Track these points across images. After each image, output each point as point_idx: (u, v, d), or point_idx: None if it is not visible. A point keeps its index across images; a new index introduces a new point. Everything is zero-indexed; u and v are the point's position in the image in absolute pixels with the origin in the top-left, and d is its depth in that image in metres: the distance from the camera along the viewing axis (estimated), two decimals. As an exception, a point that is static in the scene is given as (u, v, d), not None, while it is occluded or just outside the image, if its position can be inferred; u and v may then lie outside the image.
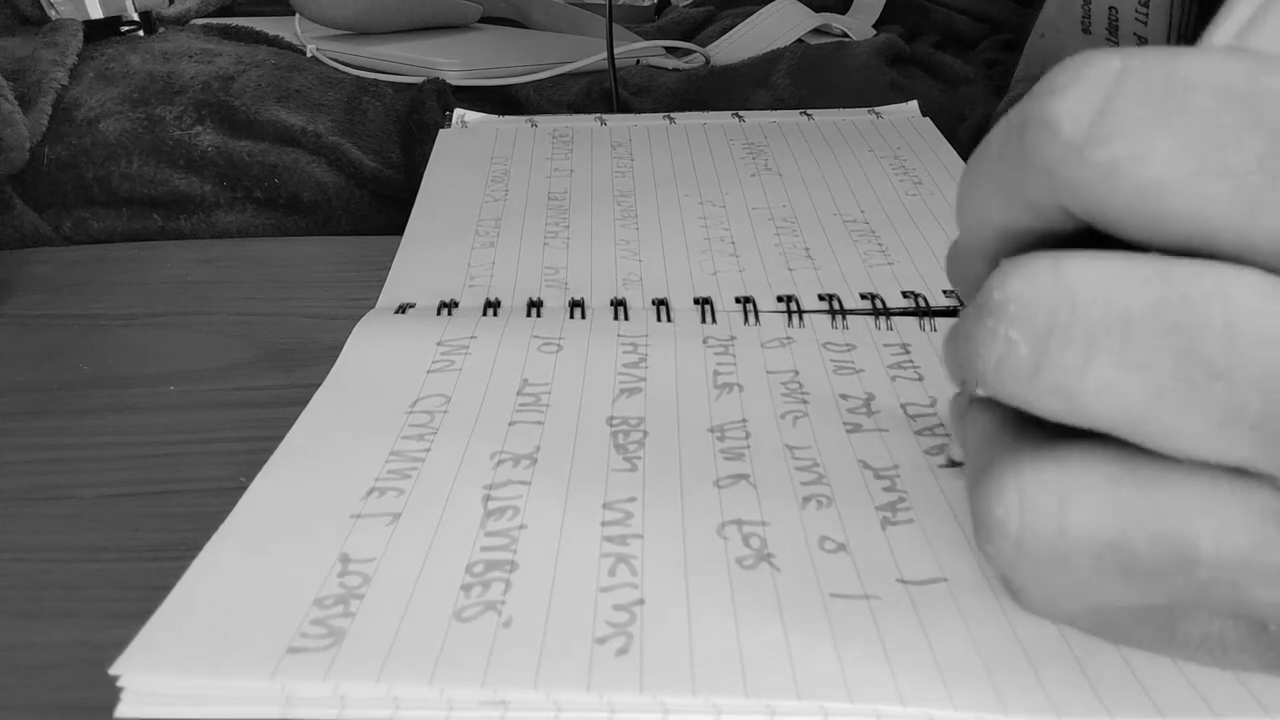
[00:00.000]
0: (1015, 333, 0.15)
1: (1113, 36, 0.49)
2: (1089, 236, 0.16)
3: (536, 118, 0.51)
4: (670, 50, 0.64)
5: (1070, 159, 0.15)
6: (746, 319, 0.32)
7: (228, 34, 0.60)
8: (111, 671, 0.18)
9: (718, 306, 0.33)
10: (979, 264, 0.19)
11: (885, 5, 0.72)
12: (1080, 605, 0.18)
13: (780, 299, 0.34)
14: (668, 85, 0.57)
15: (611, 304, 0.34)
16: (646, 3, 0.82)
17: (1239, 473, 0.15)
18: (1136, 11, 0.47)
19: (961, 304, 0.33)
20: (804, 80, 0.57)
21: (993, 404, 0.18)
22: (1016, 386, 0.15)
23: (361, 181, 0.47)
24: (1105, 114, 0.15)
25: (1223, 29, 0.16)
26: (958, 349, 0.16)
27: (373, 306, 0.34)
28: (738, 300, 0.34)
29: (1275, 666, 0.18)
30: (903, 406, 0.27)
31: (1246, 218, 0.14)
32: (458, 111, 0.50)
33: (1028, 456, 0.16)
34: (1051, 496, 0.16)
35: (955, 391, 0.22)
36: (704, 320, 0.32)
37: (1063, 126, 0.15)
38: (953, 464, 0.25)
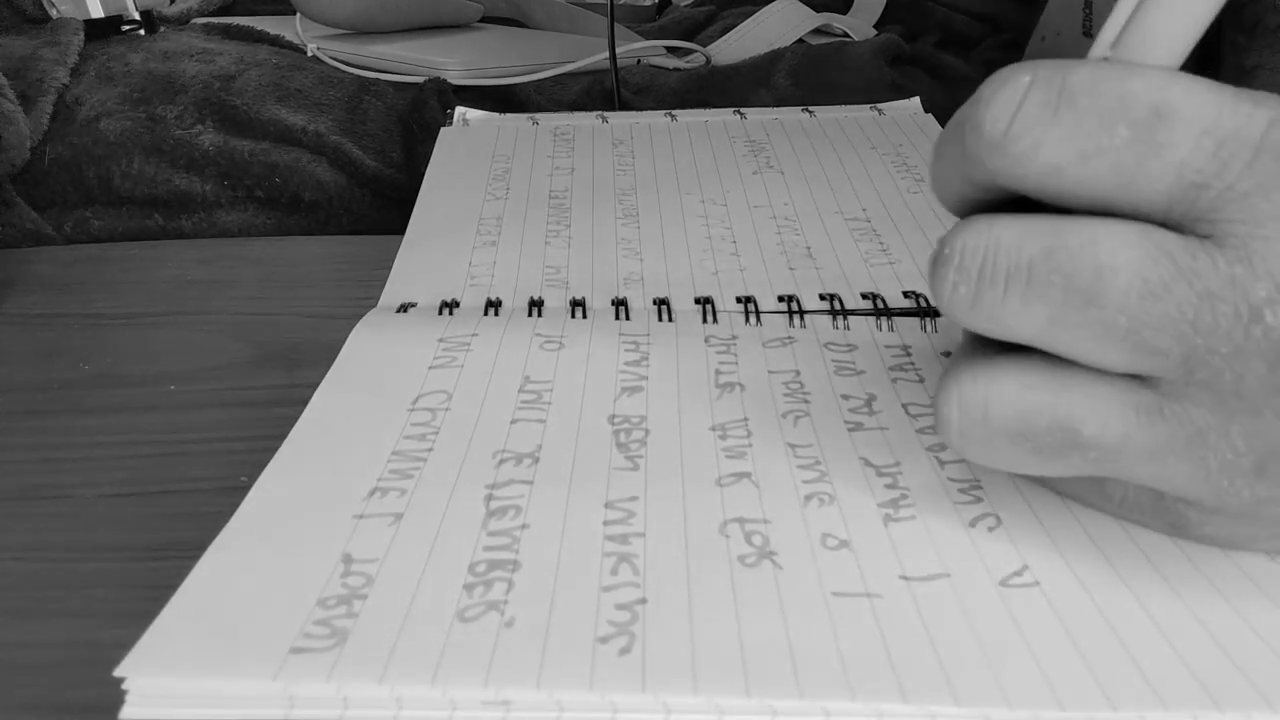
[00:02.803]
0: (957, 277, 0.20)
1: (1114, 35, 0.49)
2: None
3: (538, 115, 0.51)
4: (671, 50, 0.64)
5: (993, 151, 0.19)
6: (748, 319, 0.32)
7: (229, 33, 0.60)
8: (117, 673, 0.18)
9: (719, 306, 0.33)
10: (953, 215, 0.23)
11: (886, 5, 0.72)
12: (1014, 470, 0.22)
13: (781, 299, 0.34)
14: (669, 85, 0.57)
15: (613, 303, 0.34)
16: (647, 2, 0.82)
17: (1129, 377, 0.20)
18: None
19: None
20: (805, 80, 0.57)
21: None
22: (962, 314, 0.20)
23: (362, 181, 0.47)
24: (1015, 118, 0.19)
25: (1098, 44, 0.21)
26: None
27: (373, 306, 0.34)
28: (739, 300, 0.33)
29: (1174, 529, 0.22)
30: (904, 406, 0.27)
31: (1126, 186, 0.19)
32: (459, 109, 0.50)
33: (966, 368, 0.21)
34: (979, 397, 0.20)
35: None
36: (705, 320, 0.32)
37: (984, 127, 0.19)
38: None
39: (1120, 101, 0.19)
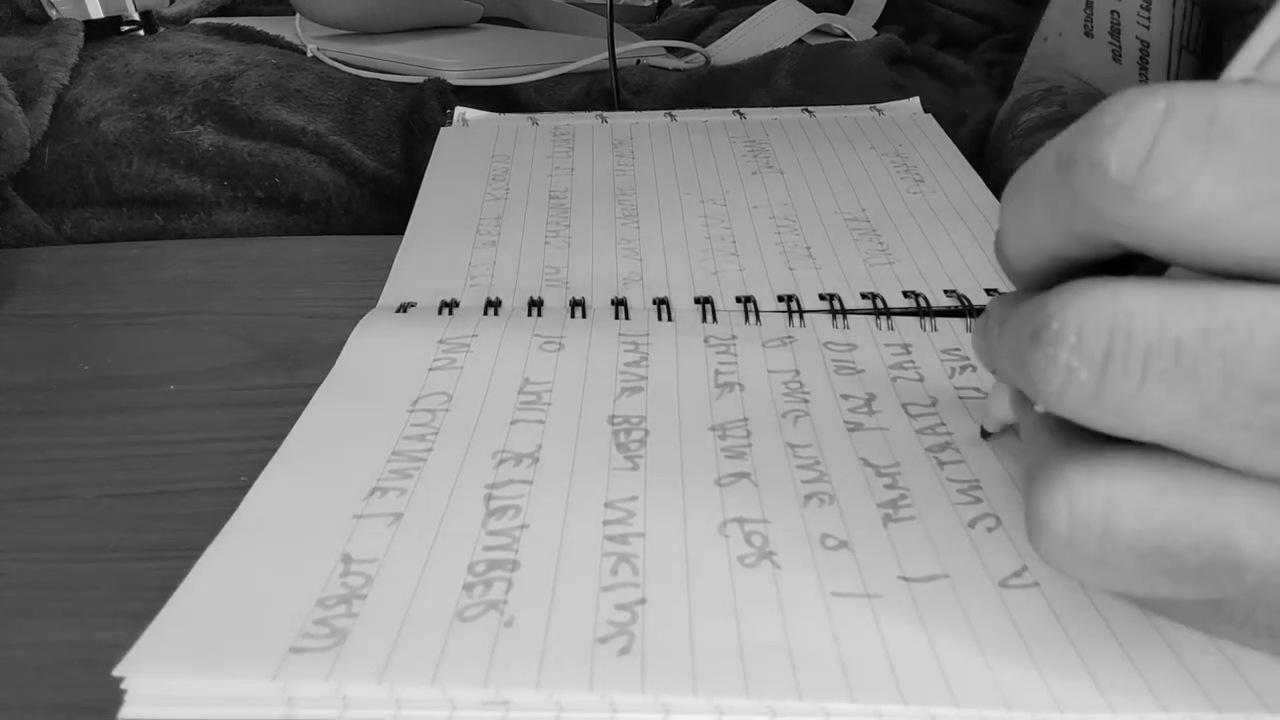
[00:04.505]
0: (1075, 360, 0.16)
1: (1115, 40, 0.49)
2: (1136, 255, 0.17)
3: (537, 115, 0.51)
4: (671, 50, 0.64)
5: (1119, 198, 0.15)
6: (747, 318, 0.32)
7: (228, 34, 0.60)
8: (115, 673, 0.18)
9: (718, 306, 0.33)
10: (1026, 277, 0.20)
11: (886, 5, 0.72)
12: (1132, 593, 0.19)
13: (781, 298, 0.34)
14: (668, 85, 0.57)
15: (612, 303, 0.34)
16: (647, 2, 0.82)
17: None
18: (1138, 15, 0.47)
19: (963, 307, 0.33)
20: (804, 80, 0.57)
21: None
22: (1078, 408, 0.16)
23: (362, 181, 0.47)
24: (1152, 155, 0.15)
25: (1239, 63, 0.17)
26: (1007, 363, 0.17)
27: (373, 306, 0.34)
28: (738, 299, 0.34)
29: None
30: (904, 406, 0.27)
31: None
32: (458, 109, 0.50)
33: (1079, 463, 0.17)
34: (1099, 503, 0.16)
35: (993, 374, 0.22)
36: (705, 320, 0.32)
37: (1110, 167, 0.15)
38: (986, 435, 0.26)
39: None
